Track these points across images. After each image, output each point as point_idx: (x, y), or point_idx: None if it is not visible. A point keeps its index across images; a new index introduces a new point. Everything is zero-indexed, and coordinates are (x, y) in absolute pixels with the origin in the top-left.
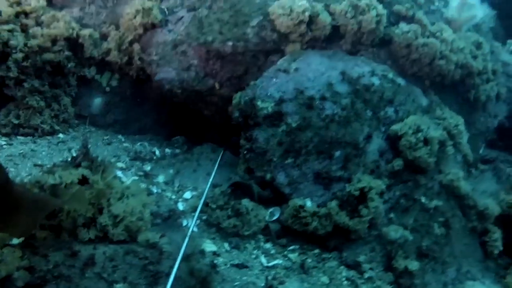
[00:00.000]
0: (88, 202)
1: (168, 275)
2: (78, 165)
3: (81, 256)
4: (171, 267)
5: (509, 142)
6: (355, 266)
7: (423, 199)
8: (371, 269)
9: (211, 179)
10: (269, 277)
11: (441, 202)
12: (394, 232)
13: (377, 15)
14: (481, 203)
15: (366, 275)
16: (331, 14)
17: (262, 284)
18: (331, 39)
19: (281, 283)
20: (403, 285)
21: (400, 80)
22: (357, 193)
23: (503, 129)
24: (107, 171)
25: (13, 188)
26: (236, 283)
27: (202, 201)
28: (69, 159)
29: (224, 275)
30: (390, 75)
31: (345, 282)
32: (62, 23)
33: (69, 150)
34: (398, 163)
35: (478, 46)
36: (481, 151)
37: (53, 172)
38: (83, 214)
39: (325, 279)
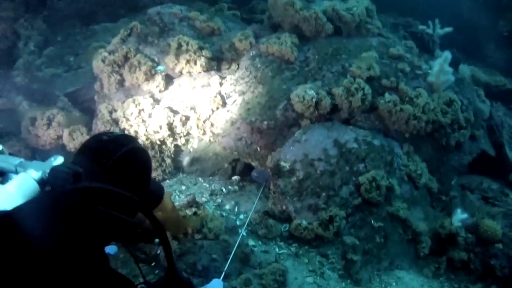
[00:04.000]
0: (198, 223)
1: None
2: (191, 206)
3: (197, 244)
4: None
5: (488, 168)
6: (325, 255)
7: (372, 221)
8: (333, 257)
9: (253, 208)
10: (277, 257)
11: (384, 223)
12: (348, 239)
13: (364, 95)
14: (415, 224)
15: (330, 260)
16: (332, 95)
17: (273, 259)
18: (333, 111)
19: (283, 259)
20: (347, 267)
21: (376, 141)
22: (328, 218)
23: (485, 158)
24: (203, 207)
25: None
26: (262, 259)
27: (247, 220)
28: (186, 202)
29: (256, 254)
30: (369, 138)
31: (317, 262)
32: (163, 114)
33: (175, 190)
34: (358, 200)
35: (450, 103)
36: (452, 182)
37: (183, 210)
38: (196, 228)
39: (306, 260)
